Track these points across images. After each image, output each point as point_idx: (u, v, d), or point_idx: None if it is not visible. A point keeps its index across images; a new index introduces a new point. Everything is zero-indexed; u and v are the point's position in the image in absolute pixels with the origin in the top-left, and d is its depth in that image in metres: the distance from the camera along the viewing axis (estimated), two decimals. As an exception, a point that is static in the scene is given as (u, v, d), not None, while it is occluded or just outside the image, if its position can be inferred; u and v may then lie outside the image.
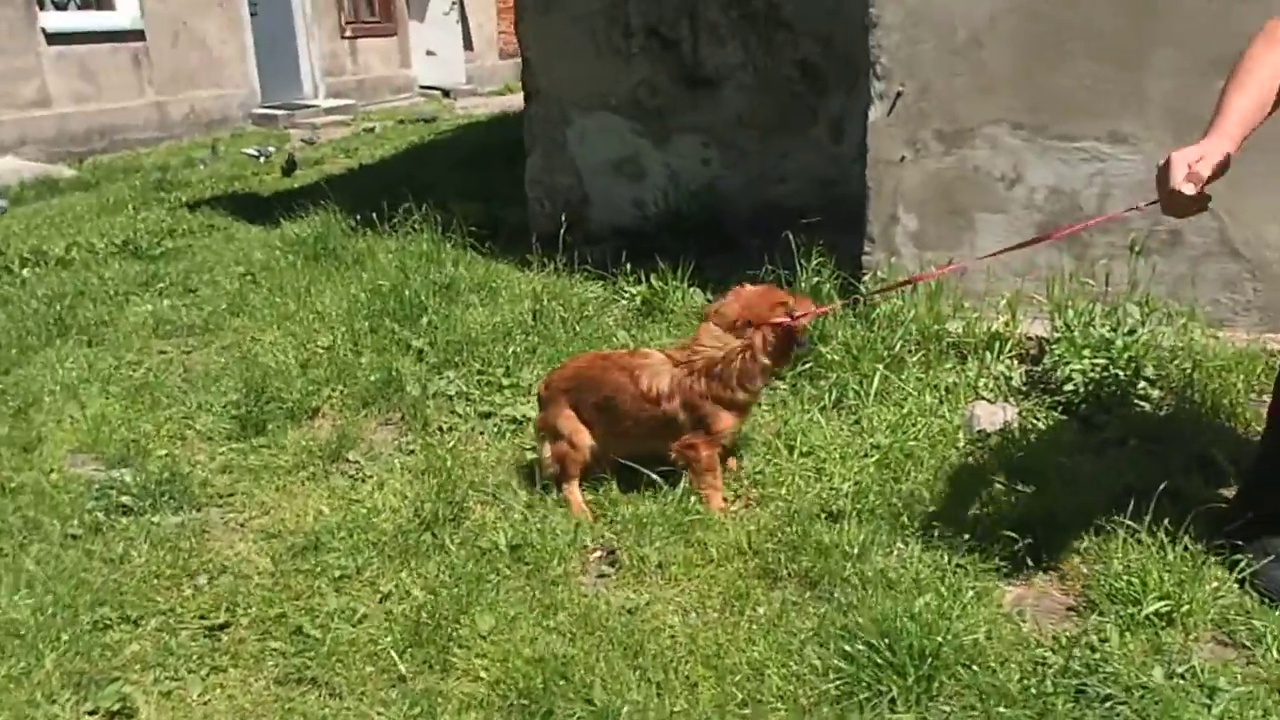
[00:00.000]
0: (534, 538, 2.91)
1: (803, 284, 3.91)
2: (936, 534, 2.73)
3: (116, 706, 2.38)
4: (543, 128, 5.37)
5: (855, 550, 2.67)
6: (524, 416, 3.64)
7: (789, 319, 2.85)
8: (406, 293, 4.55)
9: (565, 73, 5.24)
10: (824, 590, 2.59)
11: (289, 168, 10.00)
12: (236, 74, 15.64)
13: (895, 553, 2.70)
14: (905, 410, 3.37)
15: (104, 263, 6.34)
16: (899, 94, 3.63)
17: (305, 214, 6.54)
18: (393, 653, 2.49)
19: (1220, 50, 3.30)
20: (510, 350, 4.06)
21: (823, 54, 4.60)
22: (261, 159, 11.06)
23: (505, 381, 3.89)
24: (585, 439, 3.05)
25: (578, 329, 4.19)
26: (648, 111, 5.12)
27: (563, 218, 5.03)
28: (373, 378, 3.99)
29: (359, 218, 6.07)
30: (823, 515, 2.86)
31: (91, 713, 2.38)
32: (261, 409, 3.86)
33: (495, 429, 3.63)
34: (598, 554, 2.90)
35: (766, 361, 2.92)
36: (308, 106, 16.12)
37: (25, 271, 6.20)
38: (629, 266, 4.61)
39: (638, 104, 5.12)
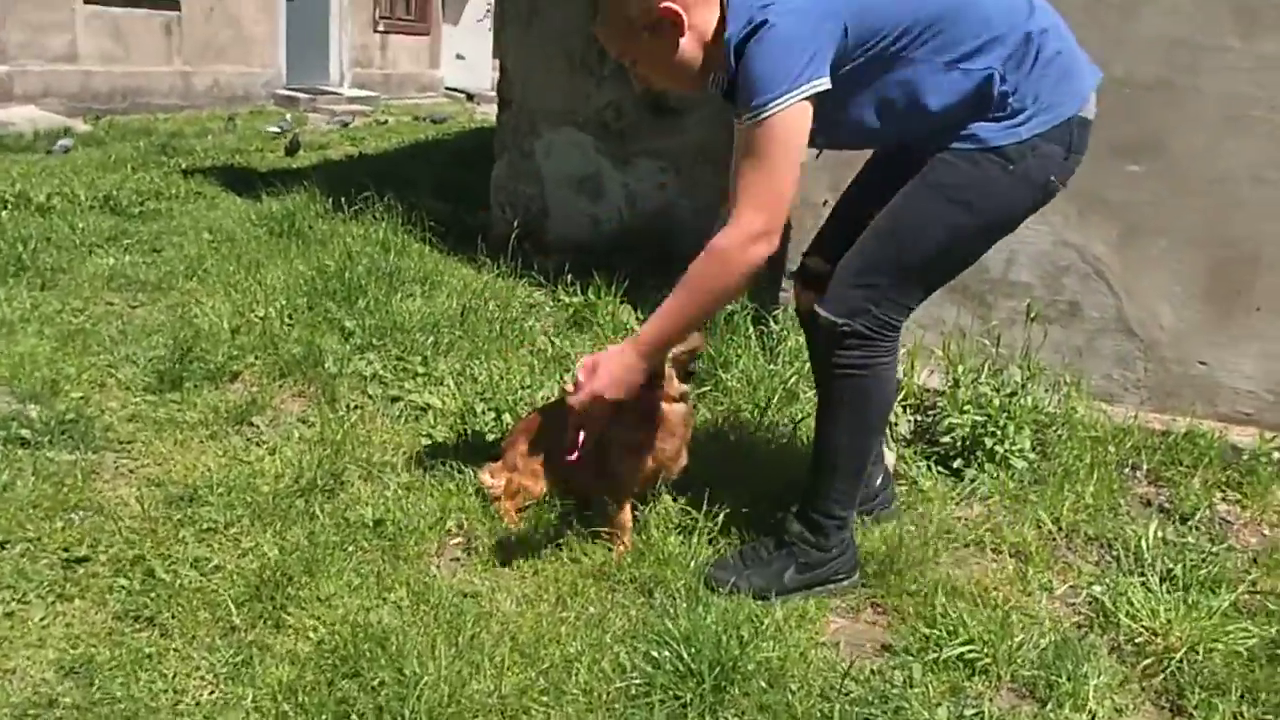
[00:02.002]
0: (399, 516, 3.01)
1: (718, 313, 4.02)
2: (780, 560, 2.82)
3: (-44, 617, 2.49)
4: (512, 137, 5.52)
5: (692, 564, 2.76)
6: (427, 404, 3.75)
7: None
8: (347, 275, 4.68)
9: (539, 87, 5.39)
10: (654, 598, 2.68)
11: (292, 148, 10.19)
12: (265, 54, 15.95)
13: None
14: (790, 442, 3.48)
15: (82, 214, 6.48)
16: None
17: (288, 193, 6.70)
18: (230, 603, 2.59)
19: (1123, 136, 3.45)
20: (431, 340, 4.17)
21: (783, 97, 4.72)
22: (282, 133, 11.28)
23: (421, 370, 4.00)
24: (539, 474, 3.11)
25: (502, 330, 4.30)
26: (612, 133, 5.26)
27: (516, 224, 5.16)
28: (295, 350, 4.10)
29: (334, 202, 6.22)
30: (676, 528, 2.95)
31: (-69, 620, 2.48)
32: (184, 367, 3.97)
33: (399, 413, 3.74)
34: (457, 540, 3.00)
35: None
36: (331, 93, 16.39)
37: (3, 214, 6.35)
38: (570, 277, 4.73)
39: (604, 125, 5.27)
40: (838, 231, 2.84)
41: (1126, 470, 3.43)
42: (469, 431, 3.55)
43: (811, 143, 2.45)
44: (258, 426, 3.63)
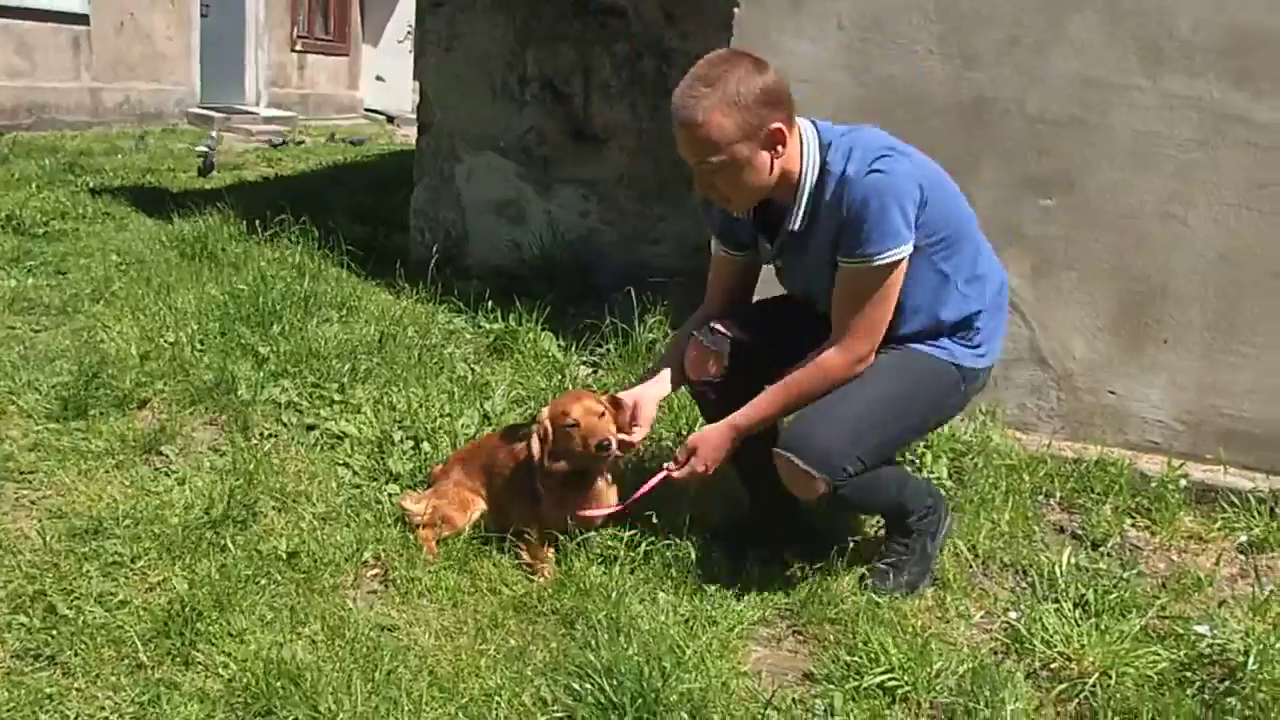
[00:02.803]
0: (313, 547, 2.94)
1: (637, 338, 4.03)
2: (704, 590, 2.81)
3: None
4: (432, 161, 5.47)
5: (614, 594, 2.74)
6: (344, 433, 3.67)
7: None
8: (261, 300, 4.58)
9: (460, 111, 5.36)
10: (576, 630, 2.65)
11: (205, 169, 9.97)
12: (178, 71, 15.61)
13: (656, 601, 2.78)
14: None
15: (-19, 233, 6.26)
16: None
17: (201, 214, 6.54)
18: (136, 640, 2.50)
19: (1037, 170, 3.54)
20: (348, 367, 4.10)
21: (705, 126, 4.75)
22: (209, 151, 11.02)
23: (337, 397, 3.93)
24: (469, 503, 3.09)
25: (421, 357, 4.25)
26: (535, 159, 5.25)
27: (435, 249, 5.11)
28: (207, 377, 4.00)
29: (249, 225, 6.10)
30: (598, 559, 2.93)
31: None
32: (90, 393, 3.84)
33: (314, 441, 3.66)
34: (374, 571, 2.93)
35: (546, 464, 2.90)
36: (247, 113, 16.10)
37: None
38: (490, 304, 4.69)
39: (526, 150, 5.26)
40: (755, 319, 2.99)
41: (1040, 498, 3.50)
42: (386, 460, 3.49)
43: (781, 279, 2.92)
44: (167, 456, 3.52)
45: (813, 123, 2.68)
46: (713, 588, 2.81)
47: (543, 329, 4.55)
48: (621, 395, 2.97)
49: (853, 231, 2.56)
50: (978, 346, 2.81)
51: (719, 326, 2.93)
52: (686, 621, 2.70)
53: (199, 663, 2.47)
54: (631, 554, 2.92)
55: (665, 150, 5.01)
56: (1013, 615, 2.84)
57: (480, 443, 3.27)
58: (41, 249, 6.01)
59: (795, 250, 2.76)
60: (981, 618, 2.86)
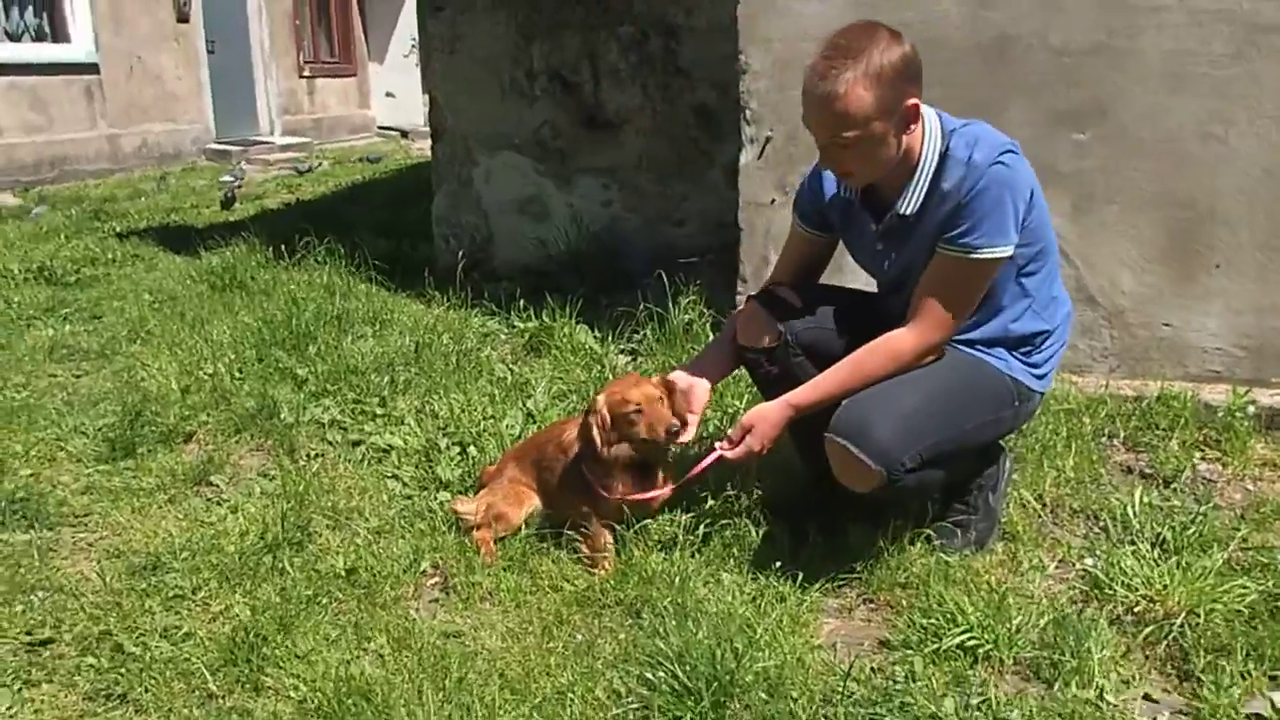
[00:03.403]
0: (371, 562, 2.92)
1: (673, 321, 3.97)
2: (768, 567, 2.75)
3: (-82, 718, 2.36)
4: (449, 167, 5.44)
5: (677, 580, 2.69)
6: (390, 446, 3.65)
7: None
8: (294, 323, 4.57)
9: (471, 113, 5.32)
10: (643, 619, 2.60)
11: (227, 202, 10.01)
12: (192, 109, 15.69)
13: (721, 582, 2.72)
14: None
15: (16, 287, 6.31)
16: (769, 139, 3.72)
17: (228, 246, 6.57)
18: (205, 670, 2.48)
19: (1067, 104, 3.43)
20: (387, 380, 4.07)
21: (719, 100, 4.71)
22: (235, 182, 11.20)
23: (379, 411, 3.91)
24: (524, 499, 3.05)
25: (459, 362, 4.22)
26: (551, 152, 5.20)
27: (461, 254, 5.09)
28: (249, 404, 3.99)
29: (275, 251, 6.10)
30: (657, 545, 2.88)
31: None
32: (136, 432, 3.85)
33: (361, 456, 3.64)
34: (434, 580, 2.90)
35: (606, 453, 2.82)
36: (263, 143, 16.18)
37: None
38: (522, 303, 4.65)
39: (541, 145, 5.21)
40: (820, 297, 2.93)
41: (1104, 439, 3.40)
42: (435, 468, 3.46)
43: (869, 264, 2.87)
44: (217, 486, 3.51)
45: (931, 108, 2.59)
46: (777, 564, 2.74)
47: (577, 322, 4.50)
48: (673, 378, 2.91)
49: (963, 217, 2.48)
50: (1037, 367, 2.72)
51: (779, 291, 2.88)
52: (754, 600, 2.65)
53: (269, 687, 2.44)
54: (690, 537, 2.87)
55: (680, 129, 4.96)
56: (1089, 562, 2.77)
57: (531, 439, 3.23)
58: (75, 296, 6.05)
59: (900, 234, 2.66)
60: (1056, 567, 2.79)
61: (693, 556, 2.83)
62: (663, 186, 4.99)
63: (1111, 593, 2.59)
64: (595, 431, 2.80)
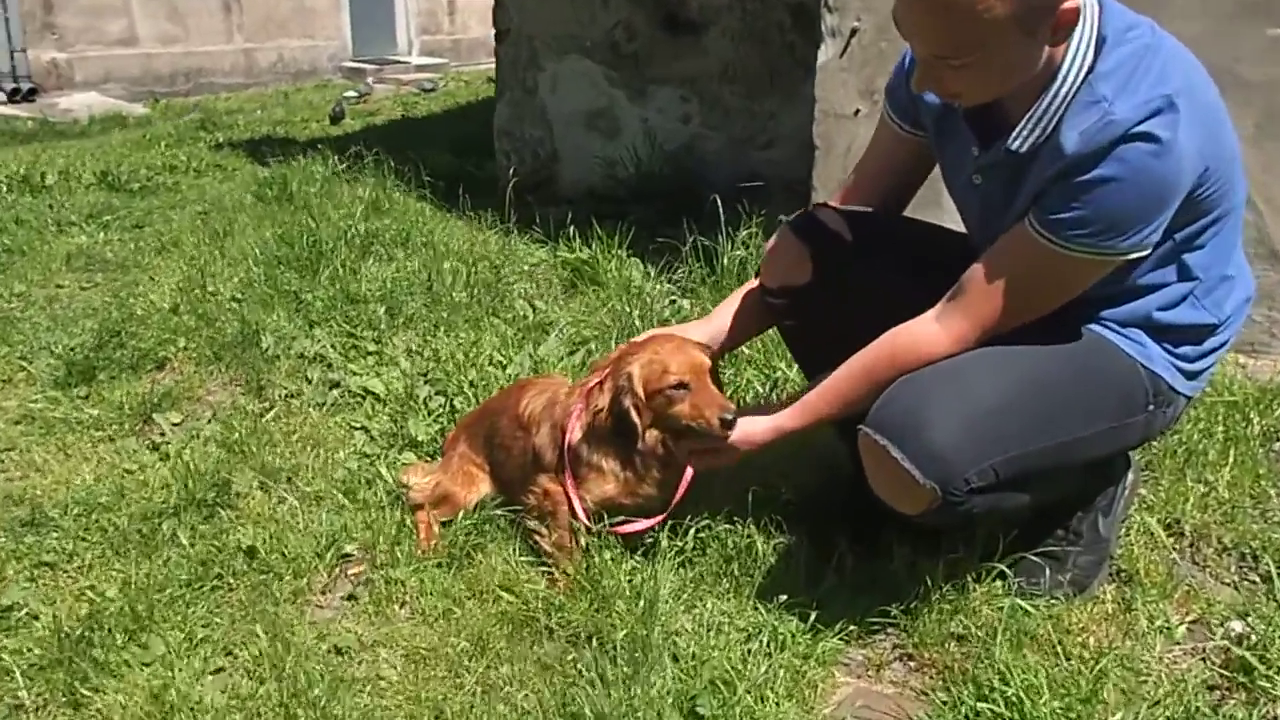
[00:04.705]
0: (287, 539, 2.32)
1: (724, 260, 3.22)
2: (774, 595, 2.02)
3: None
4: (512, 72, 4.74)
5: (644, 603, 1.98)
6: (367, 390, 3.05)
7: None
8: (306, 241, 4.00)
9: (539, 11, 4.60)
10: (586, 655, 1.92)
11: (336, 117, 9.63)
12: (329, 25, 15.47)
13: (705, 611, 2.01)
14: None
15: (76, 193, 5.98)
16: (854, 31, 2.90)
17: (291, 159, 6.08)
18: (19, 674, 1.93)
19: None
20: (390, 312, 3.46)
21: (820, -4, 3.85)
22: (360, 98, 11.00)
23: (371, 347, 3.31)
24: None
25: (477, 294, 3.56)
26: (624, 58, 4.44)
27: (512, 172, 4.42)
28: (230, 331, 3.44)
29: (346, 166, 5.55)
30: (629, 550, 2.17)
31: None
32: (105, 355, 3.40)
33: (334, 401, 3.05)
34: (356, 569, 2.28)
35: (642, 444, 2.10)
36: (399, 62, 15.84)
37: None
38: (573, 230, 3.95)
39: (614, 49, 4.45)
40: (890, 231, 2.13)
41: (1276, 448, 2.50)
42: (407, 423, 2.83)
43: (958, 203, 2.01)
44: (160, 426, 2.98)
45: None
46: (787, 591, 2.01)
47: (629, 255, 3.78)
48: (667, 333, 2.18)
49: (1066, 194, 1.68)
50: (1189, 361, 1.90)
51: (821, 214, 2.12)
52: (746, 640, 1.93)
53: (88, 705, 1.87)
54: (676, 543, 2.14)
55: (774, 32, 4.13)
56: (1237, 627, 1.94)
57: (484, 405, 2.56)
58: (130, 204, 5.66)
59: (1004, 173, 1.83)
60: (1189, 631, 1.97)
61: (677, 570, 2.11)
62: (750, 102, 4.18)
63: (1269, 684, 1.76)
64: (634, 416, 2.05)
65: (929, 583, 1.94)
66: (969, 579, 1.96)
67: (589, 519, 2.12)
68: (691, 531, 2.13)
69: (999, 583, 1.98)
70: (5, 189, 6.02)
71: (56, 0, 12.32)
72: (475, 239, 4.27)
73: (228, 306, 3.69)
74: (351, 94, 11.51)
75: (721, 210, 3.36)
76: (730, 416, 1.97)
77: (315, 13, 15.23)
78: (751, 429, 1.98)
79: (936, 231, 2.16)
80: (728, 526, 2.15)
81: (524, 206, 4.43)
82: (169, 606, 2.13)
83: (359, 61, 15.49)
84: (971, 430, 1.72)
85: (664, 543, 2.12)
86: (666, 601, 1.99)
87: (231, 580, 2.22)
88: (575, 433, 2.13)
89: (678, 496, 2.12)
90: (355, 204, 4.75)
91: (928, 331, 1.82)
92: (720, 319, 2.22)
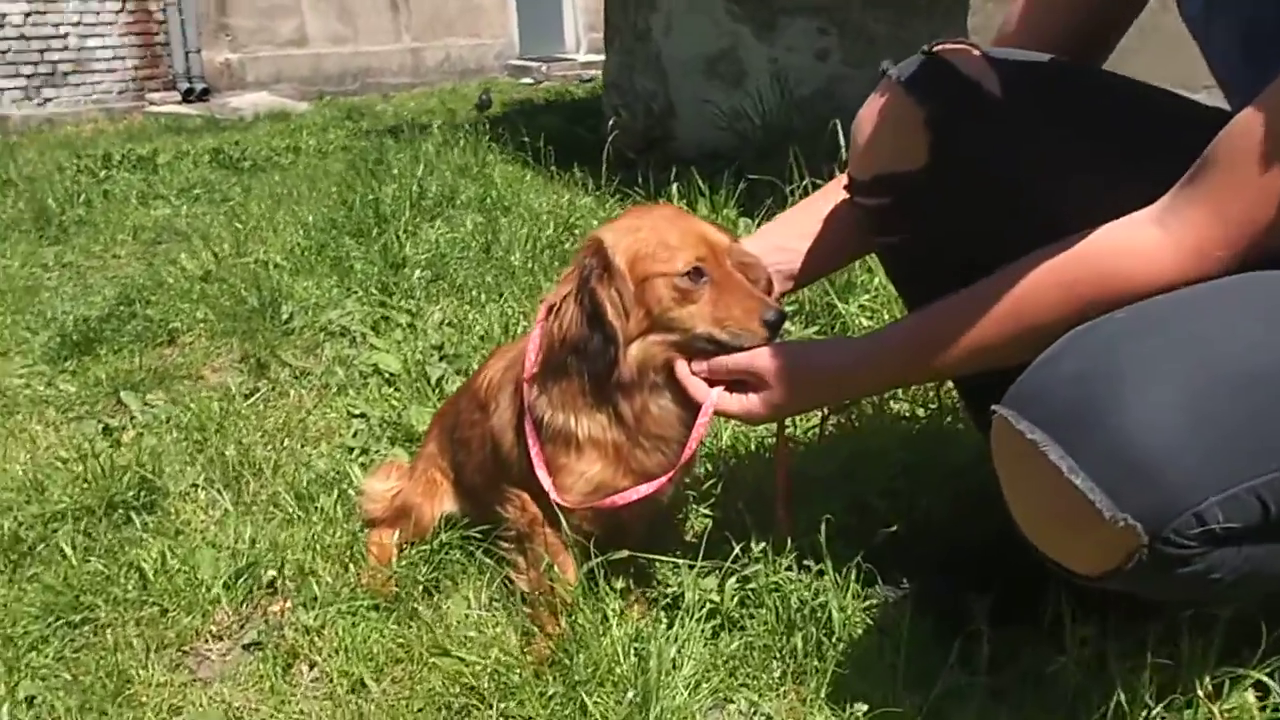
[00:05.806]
0: (198, 560, 1.69)
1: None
2: (853, 697, 1.24)
3: None
4: (622, 14, 4.06)
5: (638, 691, 1.23)
6: (378, 369, 2.42)
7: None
8: (360, 202, 3.44)
9: (651, -66, 3.91)
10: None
11: (483, 105, 9.26)
12: (495, 23, 15.31)
13: (735, 713, 1.24)
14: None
15: (175, 172, 5.66)
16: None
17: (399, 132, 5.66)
18: None
19: None
20: (427, 276, 2.83)
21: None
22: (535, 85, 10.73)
23: (403, 320, 2.68)
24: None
25: (539, 258, 2.89)
26: (749, -16, 3.69)
27: (627, 131, 3.73)
28: (251, 300, 2.89)
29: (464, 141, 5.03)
30: (629, 598, 1.43)
31: None
32: (112, 326, 2.95)
33: (339, 382, 2.43)
34: (276, 606, 1.62)
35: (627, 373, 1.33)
36: (566, 59, 15.53)
37: (103, 172, 5.62)
38: (674, 189, 3.23)
39: (738, -27, 3.71)
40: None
41: None
42: (409, 409, 2.17)
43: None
44: (129, 407, 2.43)
45: None
46: (879, 691, 1.22)
47: (738, 215, 3.05)
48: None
49: None
50: None
51: (948, 55, 1.29)
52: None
53: None
54: (705, 595, 1.37)
55: (932, -62, 3.31)
56: None
57: (458, 390, 1.84)
58: (230, 180, 5.31)
59: None
60: None
61: (709, 638, 1.35)
62: (899, 29, 3.36)
63: None
64: (610, 313, 1.30)
65: (1123, 697, 1.11)
66: (1198, 693, 1.11)
67: (585, 528, 1.39)
68: (727, 580, 1.36)
69: (1251, 697, 1.12)
70: (115, 166, 5.78)
71: (230, 1, 12.50)
72: (561, 201, 3.60)
73: (260, 274, 3.15)
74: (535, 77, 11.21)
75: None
76: (774, 316, 1.25)
77: (482, 11, 15.10)
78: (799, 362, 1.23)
79: (1159, 94, 1.31)
80: (792, 575, 1.37)
81: (628, 167, 3.75)
82: (14, 650, 1.53)
83: (526, 59, 15.25)
84: (1214, 428, 0.91)
85: (690, 594, 1.36)
86: (679, 690, 1.24)
87: (104, 615, 1.60)
88: (532, 369, 1.38)
89: (690, 448, 1.34)
90: (443, 169, 4.17)
91: (1143, 240, 1.04)
92: (795, 224, 1.45)
